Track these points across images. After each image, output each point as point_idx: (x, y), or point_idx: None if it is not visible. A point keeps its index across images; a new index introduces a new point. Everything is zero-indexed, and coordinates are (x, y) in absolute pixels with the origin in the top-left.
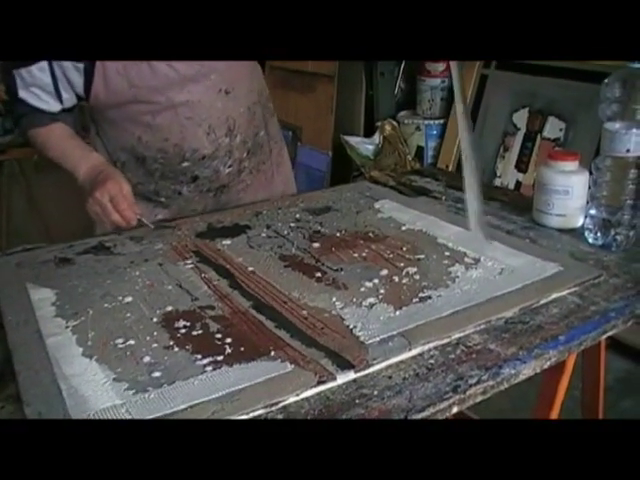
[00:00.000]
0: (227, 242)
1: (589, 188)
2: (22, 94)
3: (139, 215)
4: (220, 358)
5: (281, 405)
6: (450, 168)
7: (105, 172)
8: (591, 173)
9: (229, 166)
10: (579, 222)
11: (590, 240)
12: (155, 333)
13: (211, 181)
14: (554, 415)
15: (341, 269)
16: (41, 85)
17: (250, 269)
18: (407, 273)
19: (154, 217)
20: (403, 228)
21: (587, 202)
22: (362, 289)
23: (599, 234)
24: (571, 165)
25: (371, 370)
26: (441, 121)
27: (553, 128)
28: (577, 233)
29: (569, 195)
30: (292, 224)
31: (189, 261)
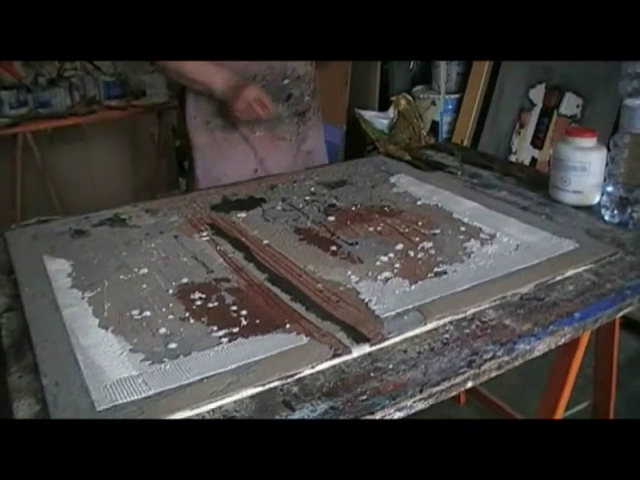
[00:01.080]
0: (242, 215)
1: (606, 165)
2: None
3: (273, 110)
4: (236, 330)
5: (296, 377)
6: (465, 143)
7: (242, 80)
8: (609, 150)
9: (308, 95)
10: (596, 199)
11: (606, 217)
12: (171, 305)
13: (297, 103)
14: (566, 392)
15: (356, 243)
16: None
17: (265, 242)
18: (422, 248)
19: (254, 133)
20: (418, 203)
21: (604, 179)
22: (377, 263)
23: (616, 212)
24: (589, 141)
25: (386, 344)
26: (456, 96)
27: (570, 104)
28: (593, 210)
29: (586, 172)
30: (307, 197)
31: (204, 234)
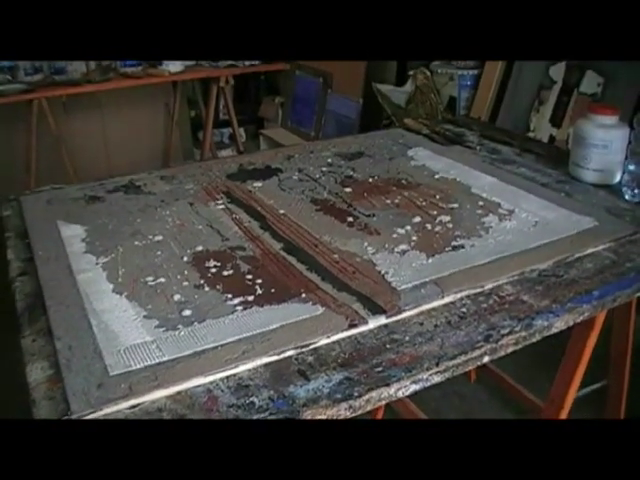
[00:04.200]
0: (258, 184)
1: (628, 143)
2: None
3: None
4: (251, 298)
5: (312, 347)
6: (483, 120)
7: None
8: (632, 128)
9: None
10: (616, 178)
11: (627, 196)
12: (185, 272)
13: None
14: (580, 371)
15: (373, 215)
16: None
17: (281, 212)
18: (440, 221)
19: None
20: (436, 176)
21: (625, 157)
22: (394, 235)
23: (637, 190)
24: (611, 119)
25: (403, 316)
26: (475, 71)
27: (590, 83)
28: (614, 189)
29: (607, 150)
30: (324, 168)
31: (220, 202)
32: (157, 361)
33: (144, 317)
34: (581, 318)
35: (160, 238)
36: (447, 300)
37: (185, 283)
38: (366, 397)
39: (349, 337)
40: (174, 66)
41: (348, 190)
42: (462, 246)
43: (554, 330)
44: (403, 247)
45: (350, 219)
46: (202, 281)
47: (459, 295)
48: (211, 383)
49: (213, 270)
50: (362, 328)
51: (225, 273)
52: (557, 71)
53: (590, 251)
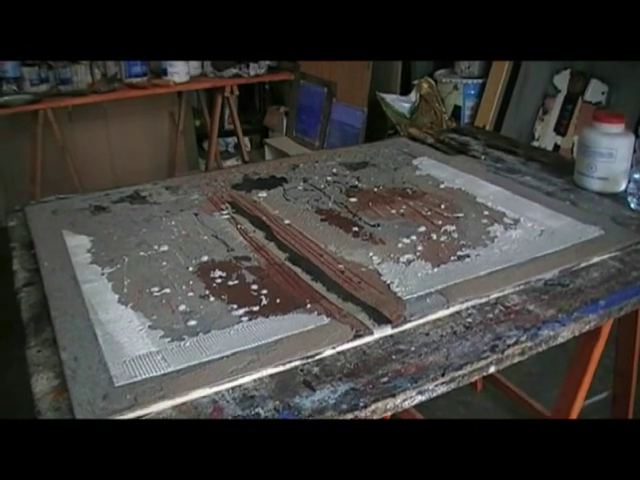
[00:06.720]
0: (263, 194)
1: (634, 152)
2: None
3: None
4: (256, 309)
5: (317, 358)
6: (487, 129)
7: None
8: (637, 136)
9: None
10: (622, 186)
11: (633, 205)
12: (191, 282)
13: None
14: (587, 381)
15: (378, 224)
16: None
17: (286, 222)
18: (445, 231)
19: None
20: (441, 186)
21: (631, 166)
22: (399, 245)
23: None
24: (616, 127)
25: (408, 326)
26: (479, 80)
27: (595, 91)
28: (619, 197)
29: (613, 158)
30: (329, 178)
31: (225, 212)
32: (162, 372)
33: (149, 327)
34: (587, 327)
35: (165, 248)
36: (453, 310)
37: (190, 293)
38: (372, 408)
39: (354, 347)
40: (179, 76)
41: (353, 200)
42: (467, 256)
43: (560, 340)
44: (408, 257)
45: (355, 229)
46: (207, 291)
47: (465, 305)
48: (216, 394)
49: (218, 280)
50: (367, 338)
51: (230, 283)
52: (561, 79)
53: (596, 260)
